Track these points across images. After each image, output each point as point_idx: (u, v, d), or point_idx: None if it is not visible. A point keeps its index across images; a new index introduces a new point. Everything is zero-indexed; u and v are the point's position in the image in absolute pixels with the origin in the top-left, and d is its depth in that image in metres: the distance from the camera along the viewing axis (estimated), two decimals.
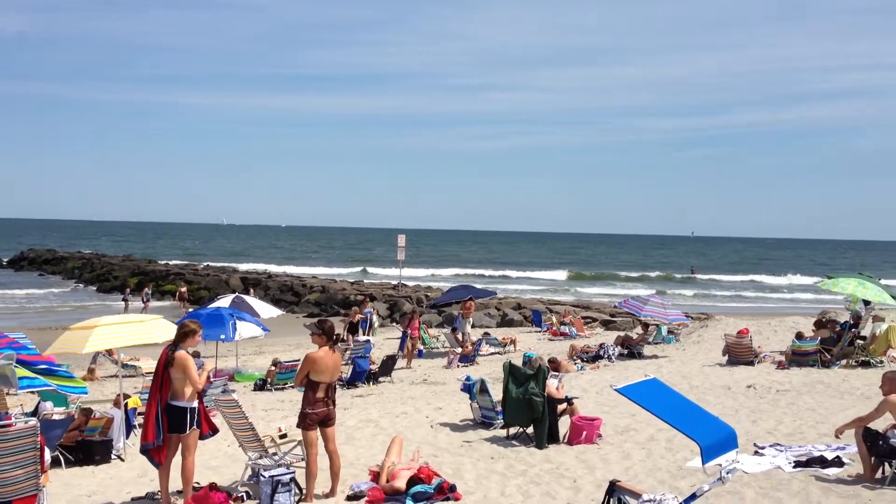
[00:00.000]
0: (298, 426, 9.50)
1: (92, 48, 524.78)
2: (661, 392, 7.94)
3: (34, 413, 13.30)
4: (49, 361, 11.78)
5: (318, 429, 9.39)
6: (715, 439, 7.42)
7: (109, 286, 56.38)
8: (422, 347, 25.95)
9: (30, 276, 69.23)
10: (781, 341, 24.20)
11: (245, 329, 20.41)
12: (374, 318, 29.29)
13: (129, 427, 13.37)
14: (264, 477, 9.17)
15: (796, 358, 19.81)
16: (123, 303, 42.67)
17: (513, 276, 79.57)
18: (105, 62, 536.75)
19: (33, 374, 9.40)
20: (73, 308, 45.46)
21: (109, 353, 20.89)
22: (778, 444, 11.61)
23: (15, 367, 9.79)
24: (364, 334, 26.30)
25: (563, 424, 12.71)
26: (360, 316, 27.16)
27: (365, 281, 58.26)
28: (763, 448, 11.39)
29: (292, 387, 19.92)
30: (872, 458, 9.63)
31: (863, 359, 19.64)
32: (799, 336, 20.87)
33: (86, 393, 13.28)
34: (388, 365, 21.24)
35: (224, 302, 23.12)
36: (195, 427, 9.18)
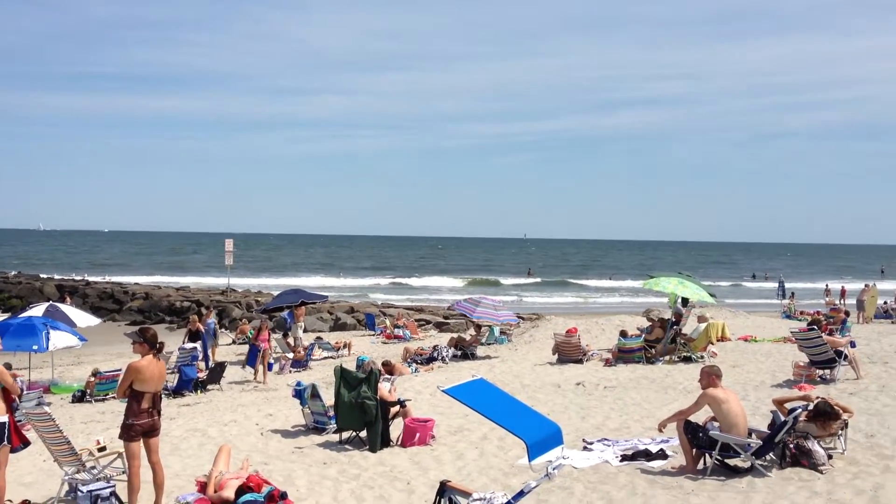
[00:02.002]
0: (121, 437, 9.01)
1: None
2: (487, 391, 7.99)
3: None
4: None
5: (142, 440, 8.94)
6: (540, 436, 7.53)
7: None
8: (272, 361, 23.01)
9: None
10: (609, 339, 25.13)
11: (59, 339, 19.48)
12: (217, 328, 27.52)
13: None
14: (82, 492, 8.66)
15: (622, 355, 20.62)
16: None
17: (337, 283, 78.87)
18: None
19: None
20: None
21: None
22: (605, 439, 11.97)
23: None
24: (209, 347, 24.75)
25: (397, 427, 12.68)
26: (198, 325, 25.85)
27: (191, 286, 56.47)
28: (591, 443, 11.72)
29: (114, 398, 19.00)
30: (694, 450, 10.06)
31: (685, 354, 20.64)
32: (623, 334, 21.73)
33: None
34: (216, 372, 20.59)
35: (37, 311, 21.88)
36: (5, 442, 8.58)
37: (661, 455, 10.79)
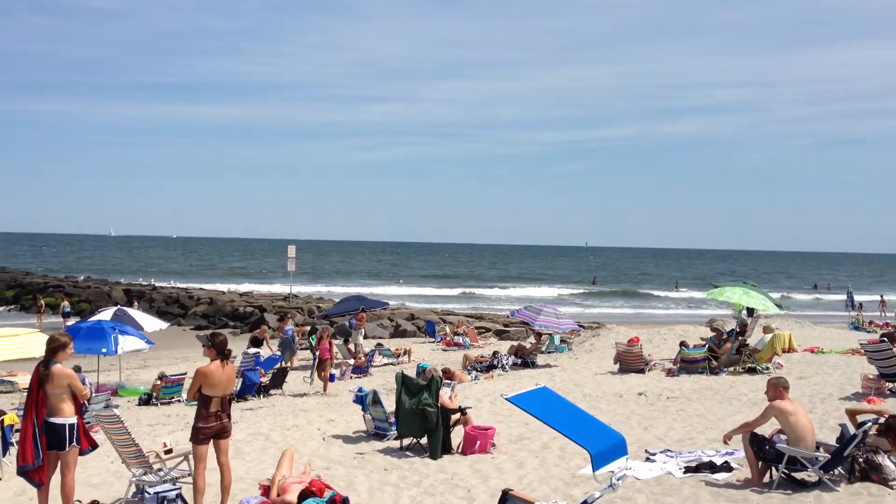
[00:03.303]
0: (191, 440, 9.17)
1: None
2: (550, 400, 7.95)
3: None
4: None
5: (212, 441, 9.09)
6: (604, 446, 7.46)
7: None
8: (334, 372, 22.00)
9: None
10: (671, 349, 24.79)
11: (128, 342, 19.82)
12: (295, 334, 26.65)
13: (6, 445, 12.69)
14: (149, 494, 8.81)
15: (685, 365, 20.34)
16: None
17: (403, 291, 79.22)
18: None
19: None
20: None
21: None
22: (668, 450, 11.81)
23: None
24: (290, 356, 24.87)
25: (457, 435, 12.67)
26: (265, 334, 26.06)
27: (254, 292, 57.23)
28: (654, 454, 11.57)
29: (179, 401, 19.35)
30: (760, 463, 9.87)
31: (749, 365, 20.27)
32: (684, 344, 21.43)
33: None
34: (278, 377, 20.82)
35: (105, 315, 22.35)
36: (74, 444, 8.77)
37: (726, 467, 10.60)
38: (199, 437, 9.00)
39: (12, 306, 52.14)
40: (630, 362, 21.24)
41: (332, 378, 20.96)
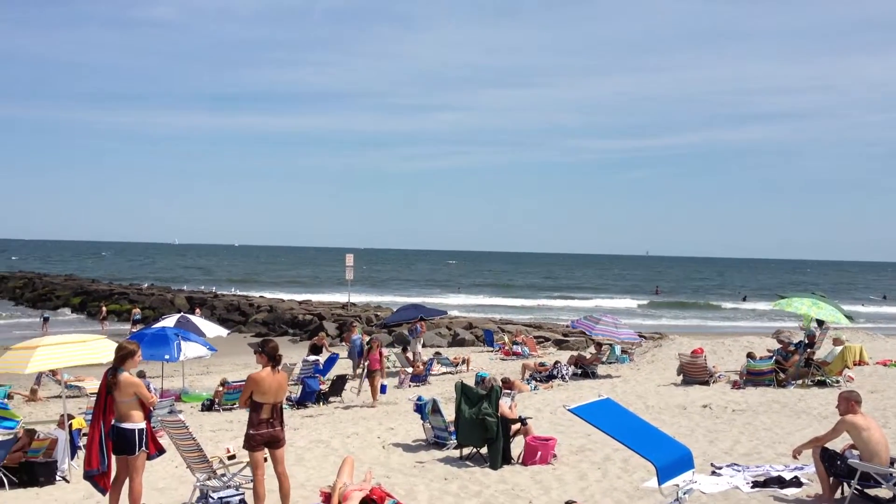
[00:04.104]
0: (245, 447, 9.23)
1: (26, 66, 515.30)
2: (615, 412, 7.85)
3: None
4: None
5: (267, 450, 9.12)
6: (670, 459, 7.34)
7: (52, 305, 55.32)
8: (384, 382, 20.83)
9: None
10: (736, 361, 24.37)
11: (191, 349, 20.04)
12: (364, 343, 26.75)
13: (74, 448, 12.97)
14: (213, 498, 8.88)
15: (751, 378, 19.92)
16: (42, 322, 41.79)
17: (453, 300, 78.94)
18: (42, 80, 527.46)
19: None
20: (17, 326, 44.46)
21: (53, 373, 20.29)
22: (735, 464, 11.56)
23: None
24: (357, 364, 24.60)
25: (517, 445, 12.56)
26: (323, 341, 26.10)
27: (313, 300, 57.70)
28: (720, 468, 11.32)
29: (239, 406, 19.53)
30: (831, 479, 9.59)
31: (819, 378, 19.79)
32: (751, 356, 20.99)
33: (14, 428, 12.89)
34: (338, 385, 20.91)
35: (169, 322, 22.68)
36: (143, 449, 8.89)
37: (796, 483, 10.32)
38: (251, 443, 9.05)
39: (80, 313, 53.37)
40: (694, 374, 20.88)
41: (383, 389, 20.25)
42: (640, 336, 29.64)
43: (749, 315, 66.41)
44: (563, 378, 22.74)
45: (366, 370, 19.98)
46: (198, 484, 10.02)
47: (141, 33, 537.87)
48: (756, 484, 10.39)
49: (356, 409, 18.91)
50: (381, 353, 19.91)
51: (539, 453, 12.12)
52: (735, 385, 19.95)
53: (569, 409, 7.29)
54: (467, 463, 12.24)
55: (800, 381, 19.78)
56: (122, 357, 8.98)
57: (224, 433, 16.15)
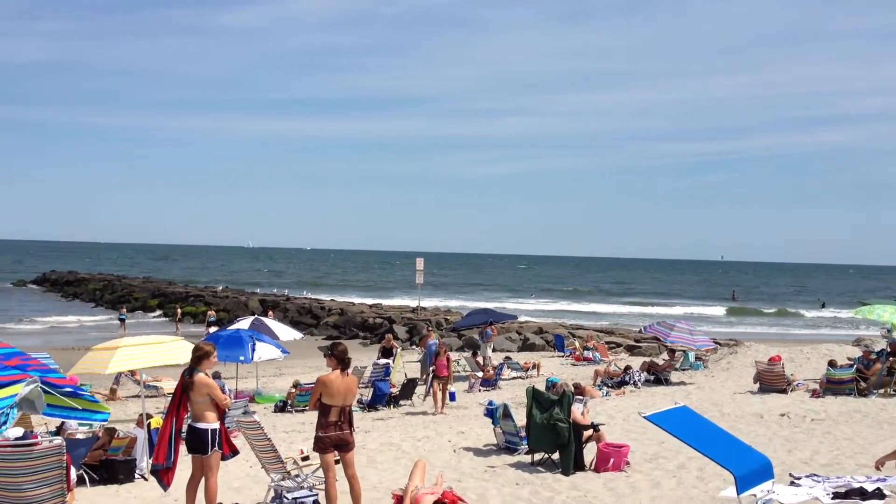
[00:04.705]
0: (315, 449, 9.33)
1: (102, 74, 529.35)
2: (691, 420, 7.71)
3: (58, 431, 13.25)
4: (73, 384, 11.69)
5: (337, 453, 9.18)
6: (750, 469, 7.19)
7: (130, 307, 56.76)
8: (452, 389, 20.42)
9: (53, 298, 69.71)
10: (815, 369, 23.77)
11: (264, 351, 20.30)
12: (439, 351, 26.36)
13: (152, 447, 13.21)
14: (287, 499, 8.99)
15: (831, 386, 19.40)
16: (119, 322, 42.85)
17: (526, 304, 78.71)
18: (116, 88, 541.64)
19: (60, 402, 9.32)
20: (96, 328, 45.82)
21: (132, 373, 20.80)
22: (815, 475, 11.25)
23: (42, 390, 9.71)
24: (426, 370, 24.44)
25: (590, 451, 12.42)
26: (392, 343, 26.13)
27: (384, 304, 58.12)
28: (799, 478, 11.04)
29: (309, 408, 19.73)
30: None
31: None
32: (832, 364, 20.44)
33: (106, 420, 13.22)
34: (408, 388, 20.99)
35: (243, 324, 23.06)
36: (217, 448, 9.03)
37: (878, 495, 9.99)
38: (320, 445, 9.12)
39: (157, 314, 54.67)
40: (771, 382, 20.40)
41: (452, 396, 19.89)
42: (715, 343, 29.14)
43: (828, 322, 64.78)
44: (635, 384, 22.45)
45: (432, 376, 19.63)
46: (272, 484, 10.15)
47: (214, 41, 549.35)
48: (836, 495, 10.10)
49: (426, 413, 18.94)
50: (448, 360, 19.42)
51: (612, 460, 11.97)
52: (814, 394, 19.44)
53: (644, 417, 7.18)
54: (539, 468, 12.16)
55: (882, 391, 19.19)
56: (199, 358, 9.15)
57: (296, 434, 16.33)
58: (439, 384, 19.05)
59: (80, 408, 9.39)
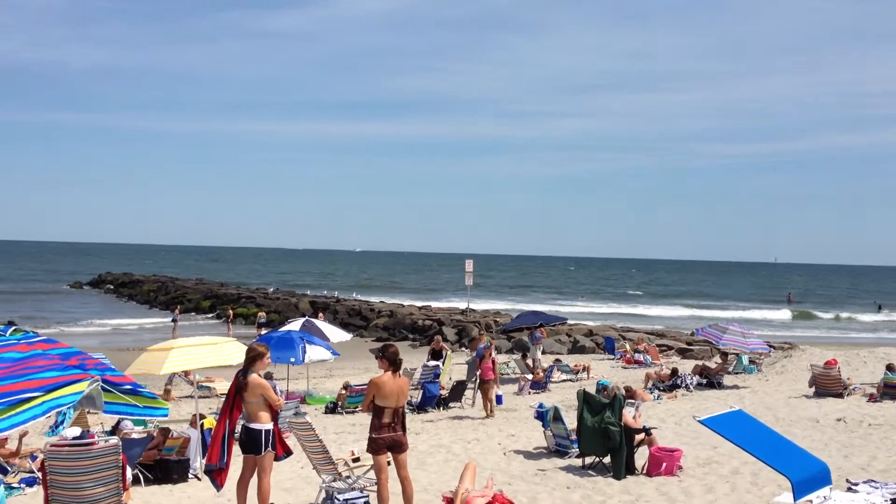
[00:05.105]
0: (368, 451, 9.37)
1: (170, 79, 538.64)
2: (747, 424, 7.62)
3: (114, 431, 13.49)
4: (132, 383, 11.90)
5: (390, 454, 9.22)
6: (807, 474, 7.08)
7: (183, 308, 57.49)
8: (499, 392, 20.06)
9: (108, 299, 71.03)
10: (872, 373, 23.30)
11: (315, 352, 20.43)
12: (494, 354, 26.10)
13: (206, 447, 13.38)
14: (338, 500, 9.05)
15: (889, 390, 18.98)
16: (173, 324, 43.42)
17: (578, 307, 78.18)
18: (191, 92, 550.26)
19: (119, 399, 9.51)
20: (150, 329, 46.62)
21: (185, 374, 21.10)
22: (872, 481, 11.01)
23: (102, 388, 9.90)
24: (474, 374, 24.06)
25: (641, 455, 12.30)
26: (441, 345, 25.97)
27: (433, 305, 58.20)
28: (856, 484, 10.80)
29: (362, 410, 19.81)
30: None
31: None
32: (890, 367, 20.00)
33: (166, 415, 13.44)
34: (457, 391, 20.98)
35: (294, 325, 23.25)
36: (270, 449, 9.12)
37: None
38: (374, 446, 9.15)
39: (210, 316, 55.38)
40: (827, 386, 20.03)
41: (499, 400, 19.50)
42: (770, 346, 28.69)
43: (886, 325, 63.44)
44: (687, 388, 22.19)
45: (478, 380, 19.31)
46: (324, 485, 10.22)
47: (271, 44, 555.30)
48: (895, 502, 9.87)
49: (476, 415, 18.91)
50: (494, 363, 18.91)
51: (664, 464, 11.85)
52: (871, 398, 19.04)
53: (699, 421, 7.10)
54: (590, 472, 12.07)
55: None
56: (252, 359, 9.24)
57: (347, 436, 16.42)
58: (486, 388, 18.65)
59: (139, 405, 9.54)
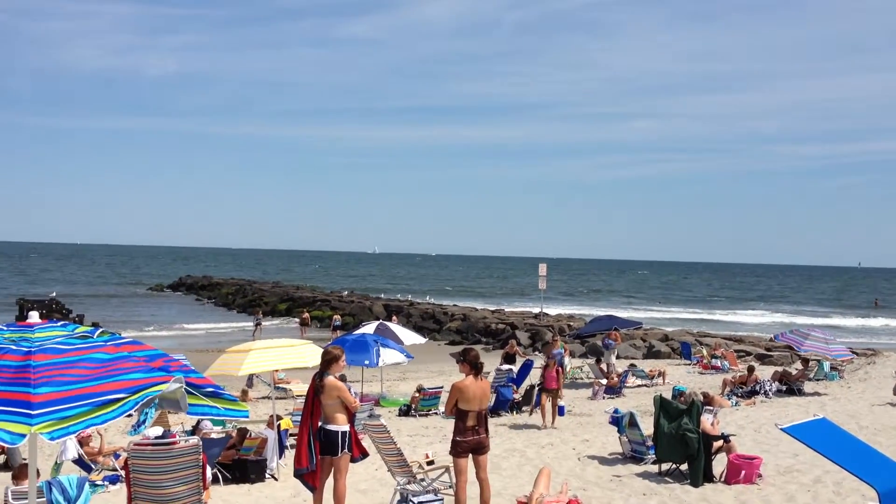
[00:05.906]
0: (450, 453, 9.44)
1: (235, 85, 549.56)
2: (831, 433, 7.41)
3: (194, 431, 13.79)
4: (214, 385, 12.14)
5: (471, 456, 9.26)
6: (894, 485, 6.84)
7: (261, 311, 58.45)
8: (562, 403, 18.96)
9: (188, 301, 72.69)
10: None
11: (389, 355, 20.54)
12: (567, 360, 25.11)
13: (282, 448, 13.61)
14: (413, 502, 9.09)
15: None
16: (255, 327, 44.08)
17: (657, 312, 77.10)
18: (250, 98, 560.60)
19: (202, 401, 9.72)
20: (232, 332, 47.57)
21: (274, 372, 21.43)
22: None
23: (185, 390, 10.13)
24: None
25: (719, 462, 12.08)
26: (515, 349, 25.88)
27: (506, 309, 58.08)
28: None
29: (436, 413, 19.89)
30: None
31: None
32: None
33: (247, 416, 13.69)
34: (530, 394, 20.90)
35: (369, 328, 23.44)
36: (347, 450, 9.22)
37: None
38: (457, 449, 9.21)
39: (286, 319, 56.18)
40: None
41: (561, 411, 18.54)
42: (853, 352, 27.91)
43: None
44: (766, 394, 21.72)
45: (539, 388, 18.56)
46: (398, 487, 10.28)
47: (340, 51, 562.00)
48: None
49: (538, 427, 18.77)
50: (558, 372, 18.21)
51: (743, 472, 11.62)
52: None
53: (781, 428, 6.94)
54: (666, 479, 11.91)
55: None
56: (328, 361, 9.36)
57: (420, 438, 16.48)
58: (548, 397, 17.83)
59: (221, 406, 9.73)
